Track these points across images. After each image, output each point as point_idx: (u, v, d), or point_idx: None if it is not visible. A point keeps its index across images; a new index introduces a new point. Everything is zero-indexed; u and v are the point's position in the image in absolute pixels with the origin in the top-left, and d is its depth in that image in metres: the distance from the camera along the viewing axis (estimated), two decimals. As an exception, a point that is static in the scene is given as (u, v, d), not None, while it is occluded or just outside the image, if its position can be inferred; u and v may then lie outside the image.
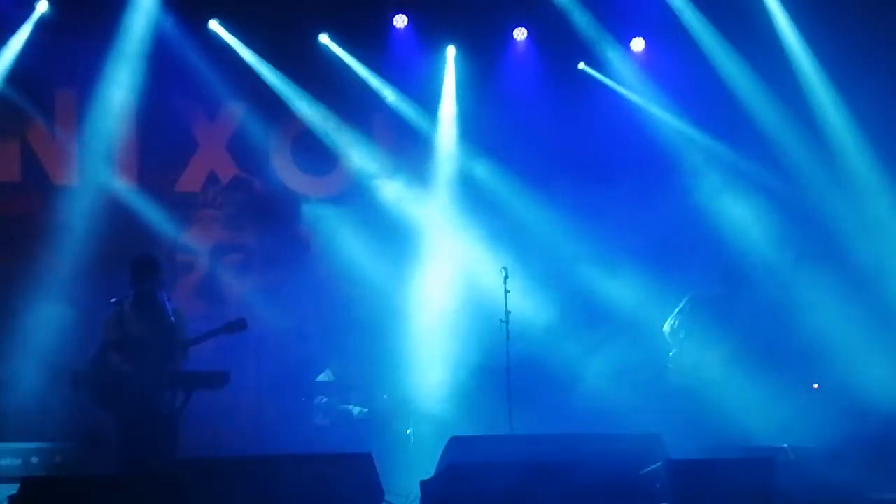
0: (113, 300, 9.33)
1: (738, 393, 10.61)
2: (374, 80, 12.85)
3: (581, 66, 13.33)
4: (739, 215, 12.40)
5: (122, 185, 12.14)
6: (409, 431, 11.67)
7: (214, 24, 12.46)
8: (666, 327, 11.00)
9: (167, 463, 8.23)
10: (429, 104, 13.03)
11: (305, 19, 12.63)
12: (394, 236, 12.84)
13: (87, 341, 9.53)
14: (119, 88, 11.89)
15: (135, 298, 9.28)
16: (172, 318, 9.24)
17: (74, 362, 9.44)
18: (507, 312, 10.76)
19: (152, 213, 12.13)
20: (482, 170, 12.96)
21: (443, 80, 13.08)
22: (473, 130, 12.98)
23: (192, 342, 9.36)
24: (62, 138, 12.10)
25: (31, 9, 11.88)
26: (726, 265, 10.91)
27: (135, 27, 11.91)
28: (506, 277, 10.83)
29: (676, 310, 11.01)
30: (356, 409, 11.69)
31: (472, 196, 12.89)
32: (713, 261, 11.51)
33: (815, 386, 11.88)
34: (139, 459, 8.71)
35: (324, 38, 12.75)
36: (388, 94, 12.85)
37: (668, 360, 10.89)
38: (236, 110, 12.65)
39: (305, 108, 12.75)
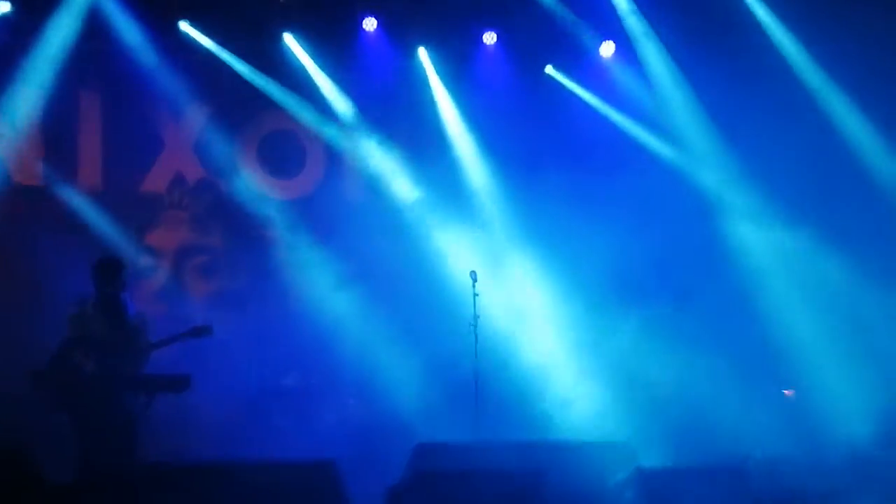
0: (75, 300, 9.20)
1: (700, 405, 10.61)
2: (329, 87, 12.74)
3: (548, 69, 13.26)
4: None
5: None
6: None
7: (185, 25, 12.31)
8: (618, 347, 10.97)
9: (125, 468, 8.07)
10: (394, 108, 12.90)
11: (275, 19, 12.51)
12: (363, 237, 12.75)
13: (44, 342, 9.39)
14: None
15: (98, 299, 9.16)
16: (135, 321, 9.14)
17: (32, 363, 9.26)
18: (476, 316, 10.66)
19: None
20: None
21: (412, 82, 12.96)
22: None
23: (156, 345, 9.25)
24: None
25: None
26: (674, 282, 10.89)
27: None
28: (475, 281, 10.74)
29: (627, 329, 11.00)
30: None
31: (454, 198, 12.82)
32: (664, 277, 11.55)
33: (788, 392, 11.87)
34: (97, 464, 8.54)
35: (288, 39, 12.62)
36: (341, 104, 12.73)
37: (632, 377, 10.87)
38: (203, 111, 12.50)
39: (273, 109, 12.64)
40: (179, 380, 9.07)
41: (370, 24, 12.81)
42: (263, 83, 12.62)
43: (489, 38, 13.03)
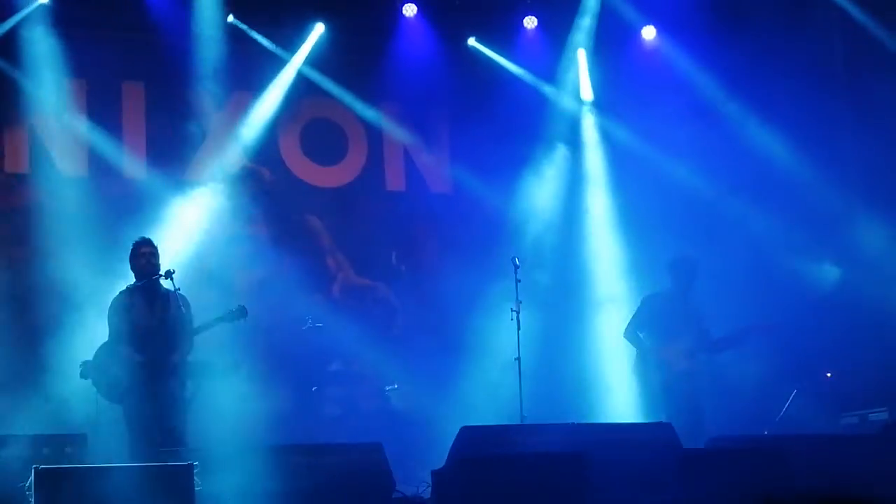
0: (120, 290, 9.30)
1: (709, 386, 10.61)
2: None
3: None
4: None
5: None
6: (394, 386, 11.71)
7: (232, 19, 12.41)
8: (625, 333, 10.94)
9: (176, 454, 8.19)
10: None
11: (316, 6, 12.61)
12: (404, 225, 12.85)
13: (89, 331, 9.51)
14: None
15: (141, 287, 9.25)
16: (181, 309, 9.21)
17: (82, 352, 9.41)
18: (519, 302, 10.70)
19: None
20: None
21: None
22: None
23: (196, 331, 9.35)
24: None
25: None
26: (671, 260, 10.85)
27: None
28: (517, 267, 10.76)
29: (632, 314, 10.97)
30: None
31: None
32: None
33: (829, 375, 11.86)
34: (148, 451, 8.67)
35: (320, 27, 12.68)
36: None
37: (631, 362, 10.85)
38: (244, 99, 12.60)
39: (315, 96, 12.74)
40: (228, 366, 9.18)
41: (410, 10, 12.89)
42: (305, 70, 12.73)
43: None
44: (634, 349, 10.74)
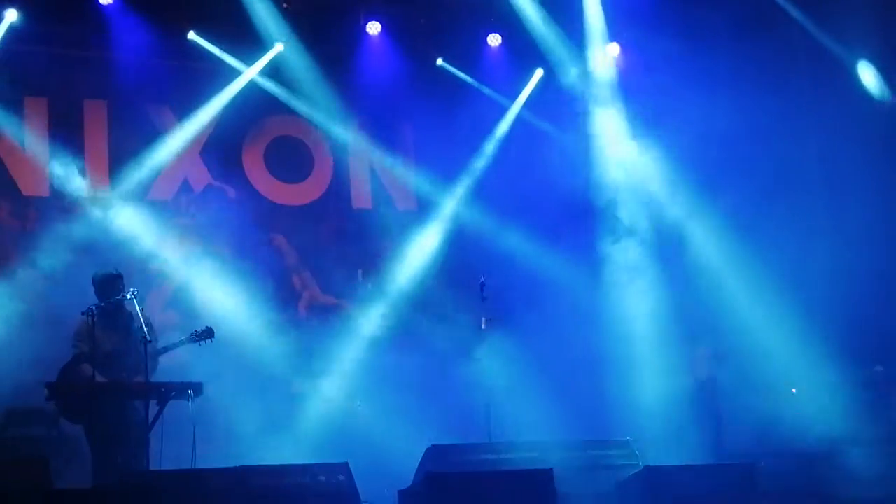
0: (83, 311, 9.22)
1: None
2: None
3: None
4: None
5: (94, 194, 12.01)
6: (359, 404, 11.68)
7: (192, 35, 12.37)
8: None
9: (138, 475, 8.12)
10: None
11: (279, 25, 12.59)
12: (370, 243, 12.84)
13: (59, 351, 9.43)
14: None
15: (105, 308, 9.19)
16: (144, 329, 9.14)
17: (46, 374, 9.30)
18: (487, 320, 10.71)
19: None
20: None
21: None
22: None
23: (161, 352, 9.29)
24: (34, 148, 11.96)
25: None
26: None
27: None
28: (483, 286, 10.76)
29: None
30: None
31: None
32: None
33: (794, 391, 11.91)
34: (111, 472, 8.59)
35: (285, 45, 12.68)
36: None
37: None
38: (210, 117, 12.56)
39: (279, 114, 12.72)
40: (191, 387, 9.12)
41: (374, 28, 12.91)
42: (270, 88, 12.71)
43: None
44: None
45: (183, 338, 9.37)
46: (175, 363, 9.67)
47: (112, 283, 9.23)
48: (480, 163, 13.34)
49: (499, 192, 13.12)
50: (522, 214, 12.93)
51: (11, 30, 11.69)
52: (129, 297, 9.08)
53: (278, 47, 12.66)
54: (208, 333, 9.38)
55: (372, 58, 12.98)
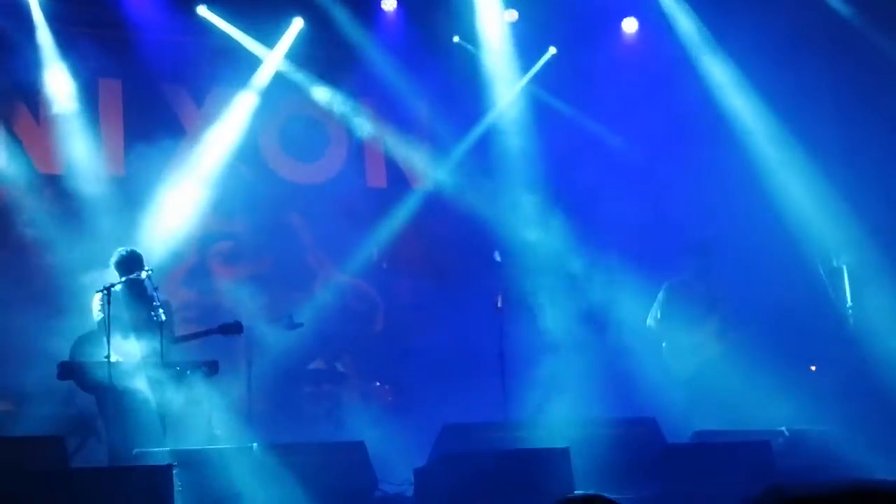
0: (100, 288, 9.20)
1: (737, 372, 10.56)
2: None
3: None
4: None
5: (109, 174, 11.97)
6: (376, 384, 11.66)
7: (203, 10, 12.29)
8: (650, 320, 10.91)
9: (155, 454, 8.12)
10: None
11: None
12: (384, 221, 12.80)
13: (71, 331, 9.42)
14: None
15: (123, 285, 9.17)
16: (160, 308, 9.11)
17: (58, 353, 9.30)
18: (501, 297, 10.65)
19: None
20: None
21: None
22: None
23: (183, 339, 9.27)
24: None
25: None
26: (688, 245, 10.83)
27: None
28: (499, 263, 10.72)
29: (656, 301, 10.93)
30: None
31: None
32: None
33: (813, 368, 11.83)
34: (127, 450, 8.59)
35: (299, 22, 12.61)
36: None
37: (663, 351, 10.79)
38: (224, 95, 12.51)
39: (295, 92, 12.65)
40: (207, 365, 9.10)
41: (390, 4, 12.83)
42: (284, 67, 12.65)
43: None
44: (663, 337, 10.69)
45: (209, 328, 9.34)
46: (192, 343, 9.64)
47: (133, 261, 9.21)
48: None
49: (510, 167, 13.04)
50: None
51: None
52: (144, 276, 9.06)
53: (297, 24, 12.57)
54: (236, 328, 9.34)
55: (388, 35, 12.88)
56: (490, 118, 13.21)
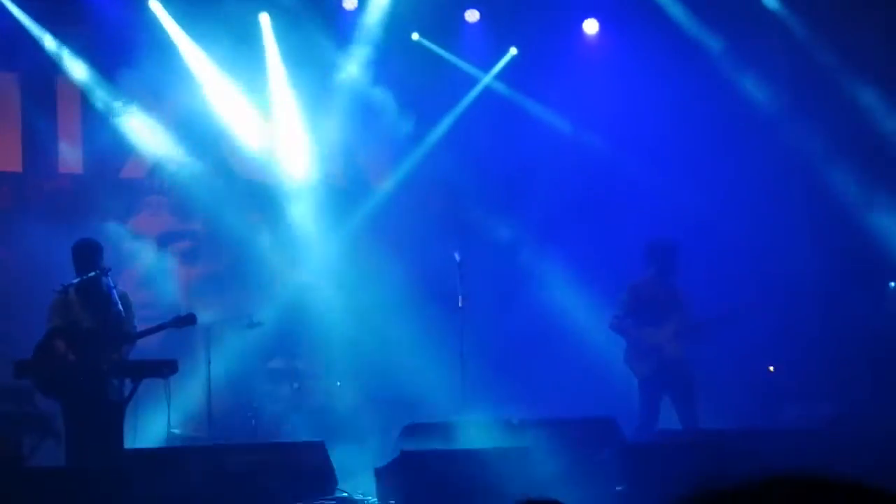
0: (57, 287, 9.11)
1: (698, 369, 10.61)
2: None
3: (415, 36, 12.97)
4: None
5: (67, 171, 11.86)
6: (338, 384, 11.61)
7: (154, 5, 12.15)
8: (611, 323, 10.90)
9: (113, 454, 8.04)
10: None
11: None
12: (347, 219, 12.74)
13: (31, 330, 9.31)
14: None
15: (79, 285, 9.08)
16: (119, 306, 9.04)
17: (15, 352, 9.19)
18: (462, 296, 10.64)
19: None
20: None
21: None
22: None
23: (139, 335, 9.19)
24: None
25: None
26: (651, 245, 10.86)
27: None
28: (460, 262, 10.69)
29: (618, 300, 10.94)
30: None
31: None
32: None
33: (771, 369, 11.91)
34: (86, 451, 8.51)
35: (263, 19, 12.51)
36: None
37: (624, 351, 10.80)
38: (182, 94, 12.40)
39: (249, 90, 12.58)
40: (166, 365, 9.03)
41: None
42: (241, 64, 12.54)
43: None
44: (623, 338, 10.72)
45: (164, 322, 9.27)
46: (151, 343, 9.57)
47: (92, 252, 9.09)
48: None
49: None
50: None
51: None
52: (103, 273, 8.98)
53: (264, 18, 12.47)
54: (190, 319, 9.28)
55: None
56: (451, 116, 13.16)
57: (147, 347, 9.42)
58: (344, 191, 13.13)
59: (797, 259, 12.05)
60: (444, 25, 13.04)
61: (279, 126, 12.67)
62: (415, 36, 12.99)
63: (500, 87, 13.28)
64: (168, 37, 12.13)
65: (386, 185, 13.11)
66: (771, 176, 12.47)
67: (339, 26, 12.72)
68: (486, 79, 13.24)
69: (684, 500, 2.37)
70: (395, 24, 12.64)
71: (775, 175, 12.48)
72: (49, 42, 11.76)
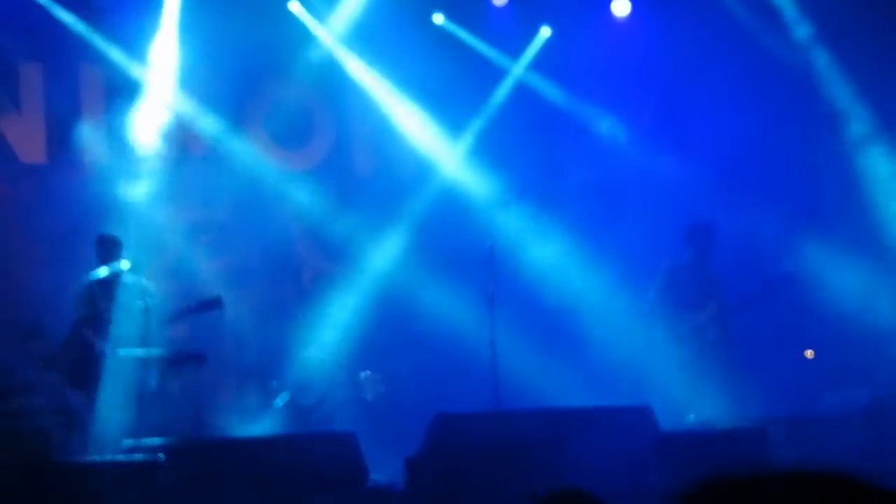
0: (82, 279, 9.09)
1: (734, 355, 10.50)
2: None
3: (439, 19, 12.70)
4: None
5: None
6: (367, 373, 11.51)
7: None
8: (648, 300, 10.82)
9: (143, 446, 8.00)
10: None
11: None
12: (371, 209, 12.64)
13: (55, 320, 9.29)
14: None
15: (104, 275, 9.05)
16: (145, 298, 9.03)
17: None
18: (493, 287, 10.53)
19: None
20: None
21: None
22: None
23: (167, 321, 9.15)
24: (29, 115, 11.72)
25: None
26: (689, 228, 10.76)
27: None
28: (491, 252, 10.58)
29: (653, 285, 10.84)
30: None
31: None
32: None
33: (809, 354, 11.75)
34: (114, 443, 8.48)
35: (293, 5, 12.41)
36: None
37: (660, 336, 10.69)
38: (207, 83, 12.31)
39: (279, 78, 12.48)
40: (194, 357, 8.99)
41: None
42: (269, 52, 12.44)
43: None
44: (660, 322, 10.61)
45: (190, 305, 9.22)
46: (179, 333, 9.51)
47: (113, 246, 9.09)
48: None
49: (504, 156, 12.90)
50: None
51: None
52: (125, 265, 8.97)
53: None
54: (217, 303, 9.22)
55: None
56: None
57: (176, 339, 9.35)
58: (370, 179, 13.03)
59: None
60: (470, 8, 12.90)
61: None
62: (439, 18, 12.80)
63: (530, 75, 13.10)
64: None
65: (409, 171, 13.00)
66: (808, 160, 12.30)
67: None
68: (520, 67, 13.02)
69: (696, 486, 2.37)
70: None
71: (813, 160, 12.30)
72: (76, 29, 11.67)
